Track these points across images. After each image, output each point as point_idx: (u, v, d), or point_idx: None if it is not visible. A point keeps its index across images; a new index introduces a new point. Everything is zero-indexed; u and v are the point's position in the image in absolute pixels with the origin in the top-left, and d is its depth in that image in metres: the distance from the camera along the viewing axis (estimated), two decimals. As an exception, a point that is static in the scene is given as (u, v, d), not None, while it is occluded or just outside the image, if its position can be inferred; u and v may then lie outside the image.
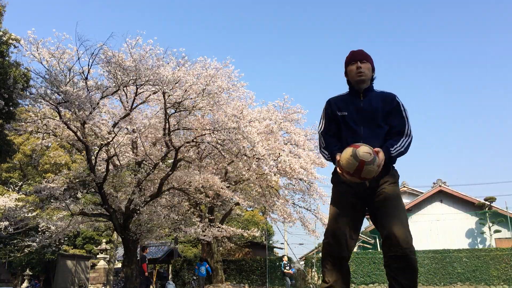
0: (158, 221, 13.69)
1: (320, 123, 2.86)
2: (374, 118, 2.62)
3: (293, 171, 13.39)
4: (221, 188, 13.15)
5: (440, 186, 22.59)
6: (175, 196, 15.02)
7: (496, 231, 21.01)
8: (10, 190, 18.87)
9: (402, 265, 2.35)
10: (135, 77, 10.38)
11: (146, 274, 15.12)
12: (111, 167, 12.59)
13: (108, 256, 23.23)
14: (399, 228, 2.35)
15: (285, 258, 17.86)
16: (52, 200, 12.72)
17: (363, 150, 2.37)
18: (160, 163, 12.34)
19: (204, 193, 14.58)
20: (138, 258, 14.81)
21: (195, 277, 19.03)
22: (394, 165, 2.65)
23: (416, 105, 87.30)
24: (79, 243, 28.14)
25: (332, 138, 2.76)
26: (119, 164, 13.24)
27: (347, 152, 2.41)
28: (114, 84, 10.70)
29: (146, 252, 15.00)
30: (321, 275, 2.57)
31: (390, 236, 2.35)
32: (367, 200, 2.56)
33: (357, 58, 2.72)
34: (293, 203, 16.51)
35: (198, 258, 17.52)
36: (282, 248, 33.89)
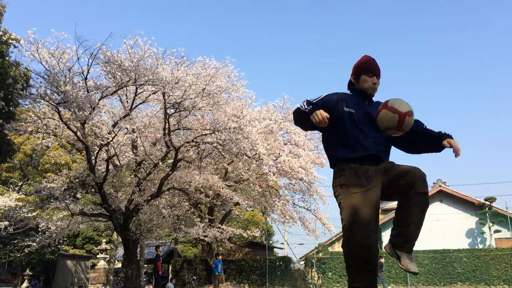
0: (158, 221, 13.70)
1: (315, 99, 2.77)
2: (376, 125, 2.67)
3: (292, 171, 13.40)
4: (221, 188, 13.16)
5: (440, 186, 22.58)
6: (175, 196, 15.02)
7: (496, 231, 21.00)
8: (10, 190, 18.88)
9: (425, 198, 2.55)
10: (134, 77, 10.39)
11: (160, 272, 15.02)
12: (111, 167, 12.60)
13: (108, 256, 23.23)
14: (416, 169, 2.55)
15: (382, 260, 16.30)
16: (52, 200, 12.74)
17: (400, 102, 2.52)
18: (160, 163, 12.34)
19: (204, 193, 14.59)
20: (138, 257, 14.82)
21: (195, 277, 19.03)
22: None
23: (416, 105, 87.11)
24: (79, 243, 28.15)
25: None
26: (119, 164, 13.25)
27: (384, 111, 2.53)
28: (113, 84, 10.72)
29: (160, 251, 14.93)
30: (349, 282, 2.55)
31: (414, 175, 2.52)
32: (380, 184, 2.62)
33: (375, 72, 2.78)
34: (293, 203, 16.51)
35: (215, 255, 17.36)
36: (282, 248, 33.89)
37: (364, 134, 2.65)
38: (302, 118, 2.69)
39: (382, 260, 16.58)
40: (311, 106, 2.63)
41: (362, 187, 2.57)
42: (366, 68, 2.78)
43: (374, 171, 2.62)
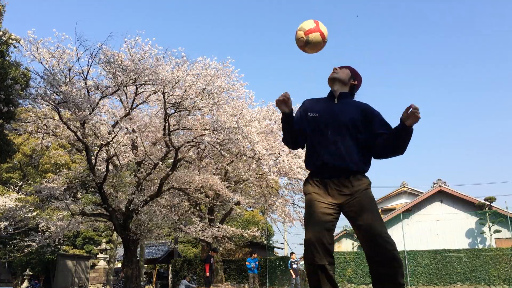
0: (157, 221, 13.70)
1: None
2: (345, 123, 2.56)
3: (291, 171, 13.40)
4: (221, 188, 13.16)
5: (440, 186, 22.55)
6: (175, 196, 15.03)
7: (496, 231, 20.98)
8: (10, 190, 18.86)
9: (390, 270, 2.37)
10: (134, 77, 10.39)
11: (208, 274, 14.95)
12: (111, 167, 12.59)
13: (108, 256, 23.23)
14: (381, 234, 2.38)
15: (294, 256, 16.70)
16: (52, 200, 12.73)
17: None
18: (160, 163, 12.34)
19: (204, 193, 14.58)
20: (138, 258, 14.80)
21: (195, 277, 19.02)
22: (363, 171, 2.59)
23: (416, 105, 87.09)
24: (79, 243, 28.15)
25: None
26: (119, 164, 13.25)
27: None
28: (113, 84, 10.72)
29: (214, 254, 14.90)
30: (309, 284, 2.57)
31: (375, 243, 2.38)
32: (340, 208, 2.53)
33: (339, 67, 2.81)
34: (293, 203, 16.50)
35: (249, 253, 17.37)
36: (282, 248, 33.92)
37: (322, 137, 2.57)
38: (285, 129, 2.70)
39: (294, 256, 16.56)
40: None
41: (319, 195, 2.55)
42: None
43: (335, 189, 2.52)
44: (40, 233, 14.87)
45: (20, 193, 18.16)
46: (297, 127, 2.67)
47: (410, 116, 2.44)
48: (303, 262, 24.68)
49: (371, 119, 2.60)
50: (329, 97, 2.76)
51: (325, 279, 2.46)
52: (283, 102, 2.59)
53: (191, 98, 11.22)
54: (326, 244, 2.45)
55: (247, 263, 16.42)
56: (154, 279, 26.83)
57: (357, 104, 2.69)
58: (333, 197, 2.52)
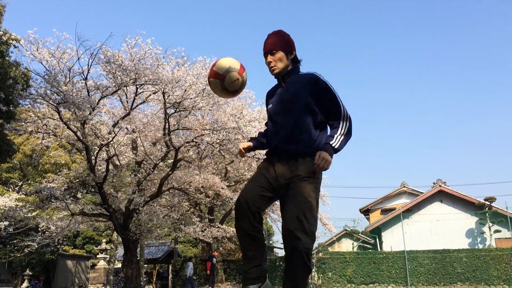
0: (158, 221, 13.71)
1: None
2: (293, 105, 2.48)
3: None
4: (221, 188, 13.17)
5: (440, 186, 22.56)
6: (175, 196, 15.03)
7: (496, 231, 20.99)
8: (10, 190, 18.86)
9: (289, 262, 2.35)
10: (134, 77, 10.39)
11: (208, 272, 14.84)
12: (111, 167, 12.60)
13: (108, 256, 23.24)
14: (294, 224, 2.30)
15: None
16: (52, 200, 12.73)
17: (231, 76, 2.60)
18: (160, 163, 12.34)
19: (204, 193, 14.58)
20: (138, 258, 14.79)
21: (195, 277, 19.01)
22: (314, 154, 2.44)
23: (416, 105, 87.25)
24: (79, 243, 28.15)
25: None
26: (119, 164, 13.25)
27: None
28: (113, 84, 10.72)
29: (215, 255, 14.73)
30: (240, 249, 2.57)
31: (284, 232, 2.35)
32: (279, 189, 2.46)
33: (264, 51, 2.60)
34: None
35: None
36: (282, 248, 33.90)
37: (273, 125, 2.55)
38: None
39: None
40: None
41: (267, 172, 2.51)
42: (263, 51, 2.65)
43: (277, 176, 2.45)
44: (40, 233, 14.88)
45: (20, 193, 18.16)
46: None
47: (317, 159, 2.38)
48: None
49: (318, 90, 2.48)
50: (278, 82, 2.68)
51: (256, 244, 2.47)
52: (242, 155, 2.73)
53: (191, 98, 11.23)
54: (254, 208, 2.37)
55: None
56: (154, 279, 26.85)
57: (303, 78, 2.56)
58: (278, 177, 2.44)
